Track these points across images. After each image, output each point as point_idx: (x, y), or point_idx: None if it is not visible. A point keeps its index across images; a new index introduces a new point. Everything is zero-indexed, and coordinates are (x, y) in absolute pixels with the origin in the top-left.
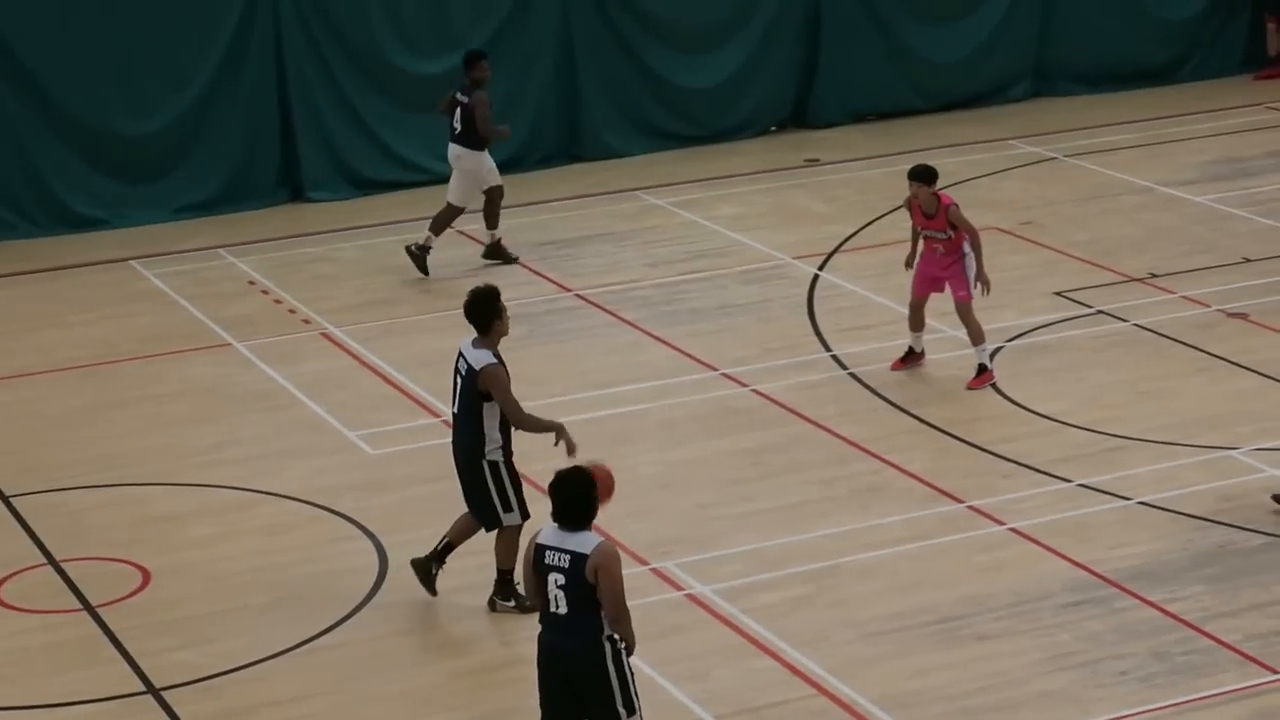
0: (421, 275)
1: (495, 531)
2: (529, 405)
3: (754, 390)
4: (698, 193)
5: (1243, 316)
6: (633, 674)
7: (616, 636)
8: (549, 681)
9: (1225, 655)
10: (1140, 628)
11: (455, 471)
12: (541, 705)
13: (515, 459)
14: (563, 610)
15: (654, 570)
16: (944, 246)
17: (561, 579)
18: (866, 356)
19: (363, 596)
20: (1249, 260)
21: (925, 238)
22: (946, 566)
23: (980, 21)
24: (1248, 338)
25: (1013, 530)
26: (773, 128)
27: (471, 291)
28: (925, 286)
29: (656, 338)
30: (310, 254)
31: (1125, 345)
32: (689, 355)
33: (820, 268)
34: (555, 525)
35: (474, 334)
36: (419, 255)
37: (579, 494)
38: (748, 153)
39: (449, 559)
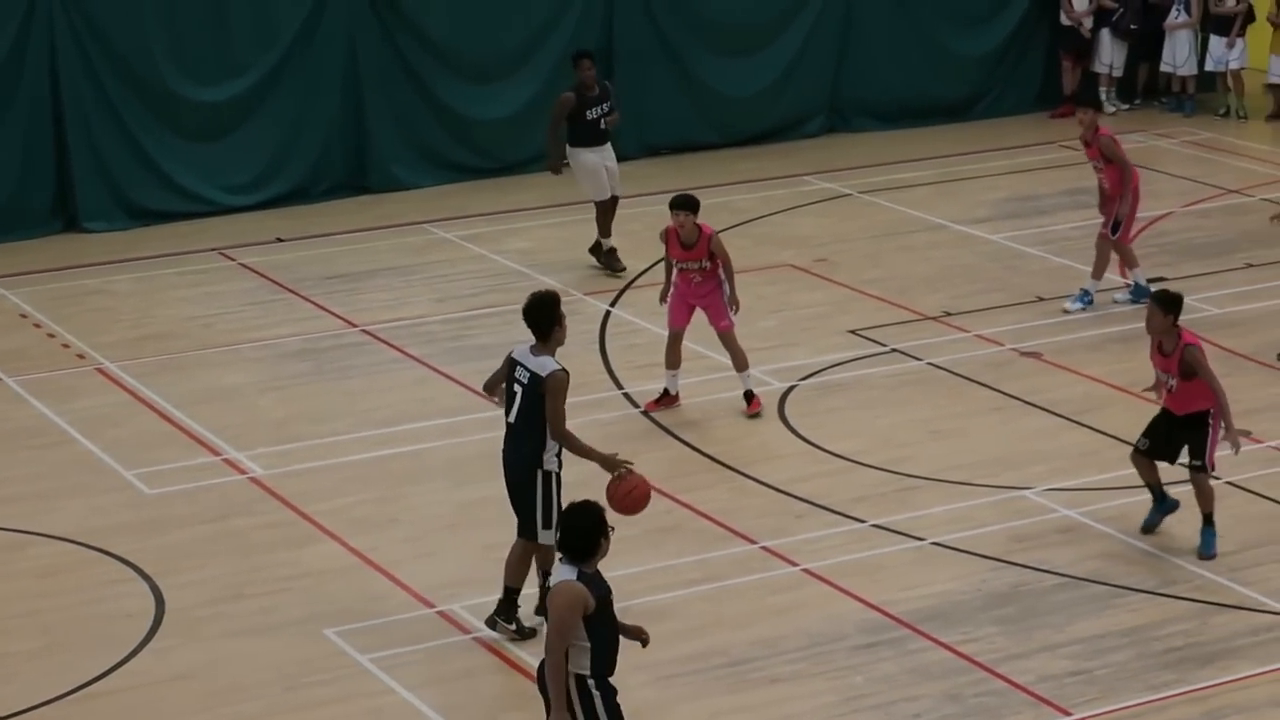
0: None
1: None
2: (311, 443)
3: None
4: (487, 226)
5: (1036, 356)
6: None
7: (585, 676)
8: None
9: (1018, 697)
10: (934, 669)
11: (506, 486)
12: None
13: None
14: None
15: (441, 613)
16: (700, 275)
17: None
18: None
19: (138, 641)
20: (1042, 299)
21: (681, 270)
22: (739, 608)
23: (775, 56)
24: (1041, 377)
25: (806, 571)
26: (565, 161)
27: (532, 295)
28: (684, 316)
29: (444, 374)
30: (86, 286)
31: (919, 384)
32: (477, 392)
33: (612, 304)
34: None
35: (526, 343)
36: (606, 259)
37: (574, 527)
38: (538, 186)
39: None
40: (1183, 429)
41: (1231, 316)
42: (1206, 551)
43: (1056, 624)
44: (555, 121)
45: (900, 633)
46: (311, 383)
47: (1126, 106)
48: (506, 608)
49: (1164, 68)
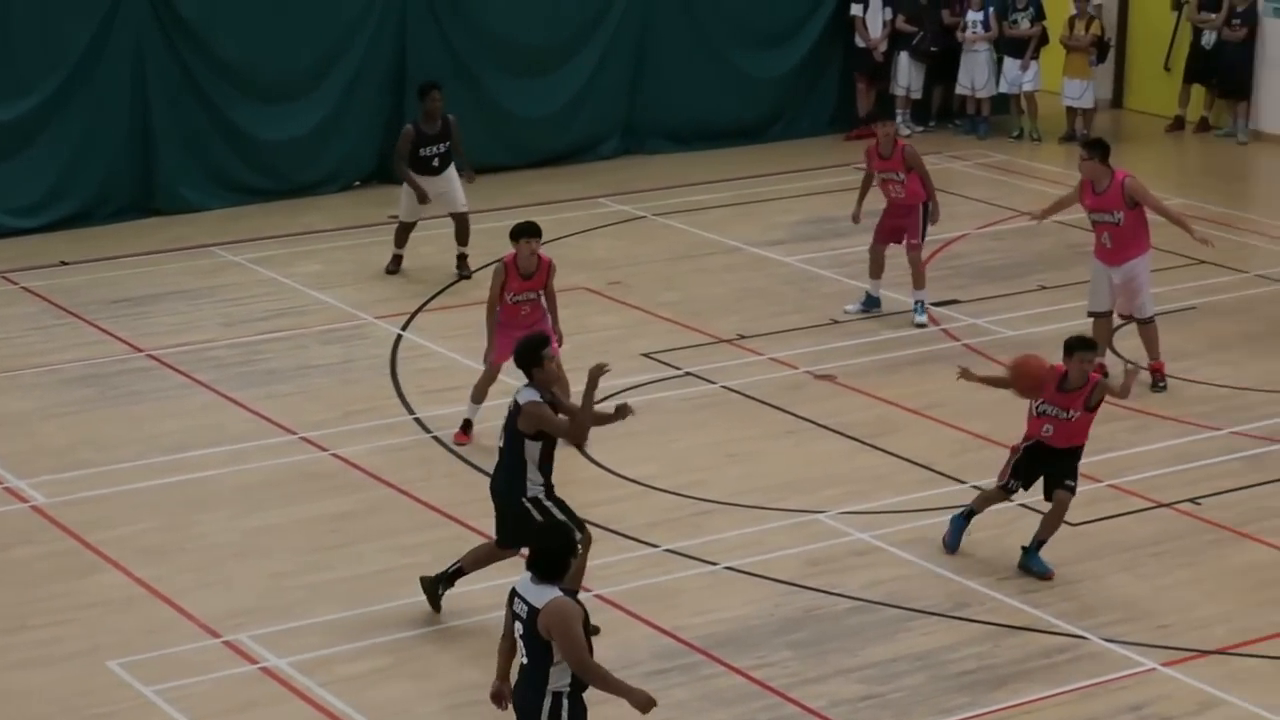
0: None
1: None
2: (95, 471)
3: (334, 454)
4: (277, 249)
5: (830, 378)
6: None
7: (564, 693)
8: None
9: None
10: (727, 695)
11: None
12: None
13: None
14: (524, 660)
15: (227, 643)
16: (530, 306)
17: (521, 629)
18: (451, 419)
19: None
20: (837, 322)
21: (515, 302)
22: None
23: (569, 78)
24: (835, 399)
25: (598, 597)
26: (356, 183)
27: (519, 339)
28: (510, 348)
29: (232, 400)
30: None
31: (714, 407)
32: (266, 418)
33: (403, 327)
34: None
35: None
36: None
37: (549, 547)
38: (330, 208)
39: (457, 583)
40: (1059, 458)
41: (1026, 339)
42: (1046, 570)
43: (850, 648)
44: (398, 157)
45: (693, 658)
46: (95, 409)
47: (921, 129)
48: (451, 579)
49: (960, 90)
